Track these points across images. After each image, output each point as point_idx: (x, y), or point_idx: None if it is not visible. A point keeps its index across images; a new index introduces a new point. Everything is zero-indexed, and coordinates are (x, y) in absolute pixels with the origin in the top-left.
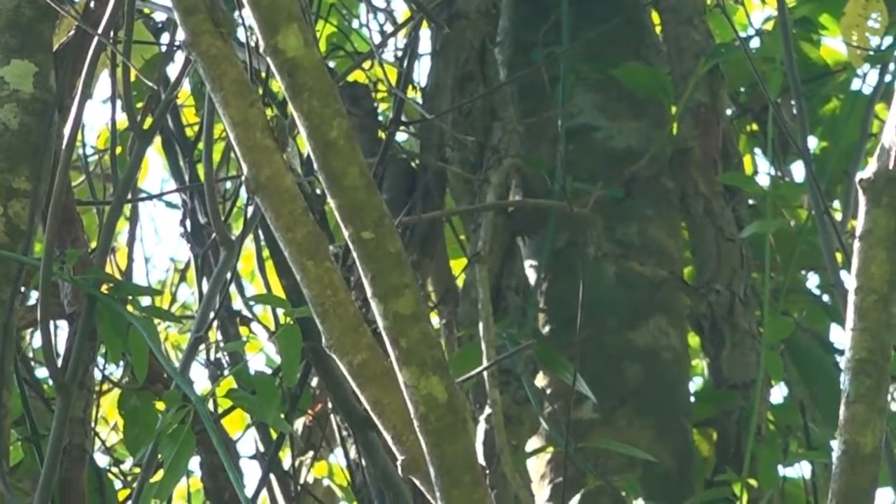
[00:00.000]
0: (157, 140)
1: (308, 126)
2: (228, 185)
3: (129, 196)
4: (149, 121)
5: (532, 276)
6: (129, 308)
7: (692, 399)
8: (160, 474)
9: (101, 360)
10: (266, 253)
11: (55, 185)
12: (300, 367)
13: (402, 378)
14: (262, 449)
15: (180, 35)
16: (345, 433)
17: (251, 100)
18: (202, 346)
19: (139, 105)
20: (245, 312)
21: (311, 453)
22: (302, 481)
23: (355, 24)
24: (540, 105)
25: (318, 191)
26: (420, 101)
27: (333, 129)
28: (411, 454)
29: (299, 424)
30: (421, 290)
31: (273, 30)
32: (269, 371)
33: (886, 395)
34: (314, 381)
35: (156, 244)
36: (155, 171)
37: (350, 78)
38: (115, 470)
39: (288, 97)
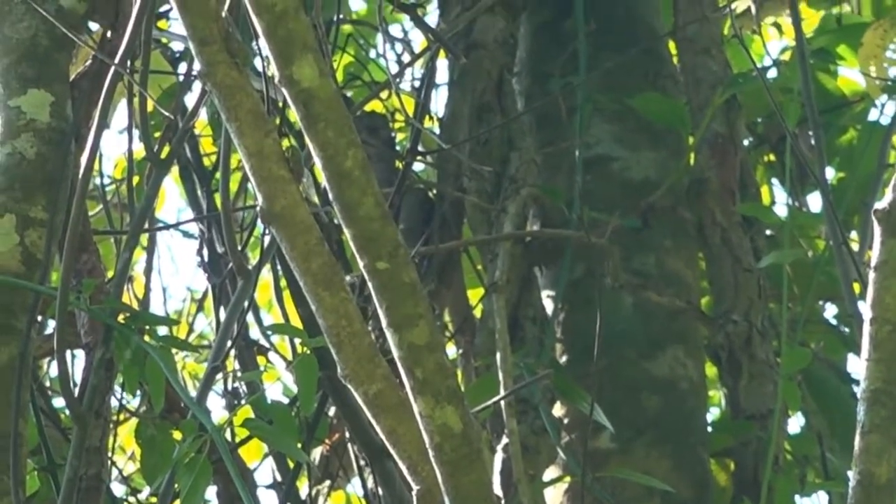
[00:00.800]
0: (175, 170)
1: (323, 156)
2: (246, 214)
3: (146, 225)
4: (166, 150)
5: (549, 305)
6: (146, 338)
7: (709, 429)
8: (177, 503)
9: (118, 390)
10: (283, 282)
11: (72, 215)
12: (317, 396)
13: (417, 408)
14: (279, 478)
15: (197, 65)
16: (362, 462)
17: (266, 130)
18: (219, 376)
19: (156, 135)
20: (262, 342)
21: (328, 482)
22: None
23: (372, 54)
24: (557, 135)
25: (335, 220)
26: (437, 130)
27: (348, 159)
28: (426, 484)
29: (316, 454)
30: (438, 320)
31: (288, 60)
32: (286, 400)
33: None
34: (331, 411)
35: (173, 274)
36: (172, 200)
37: (367, 108)
38: (132, 500)
39: (303, 127)
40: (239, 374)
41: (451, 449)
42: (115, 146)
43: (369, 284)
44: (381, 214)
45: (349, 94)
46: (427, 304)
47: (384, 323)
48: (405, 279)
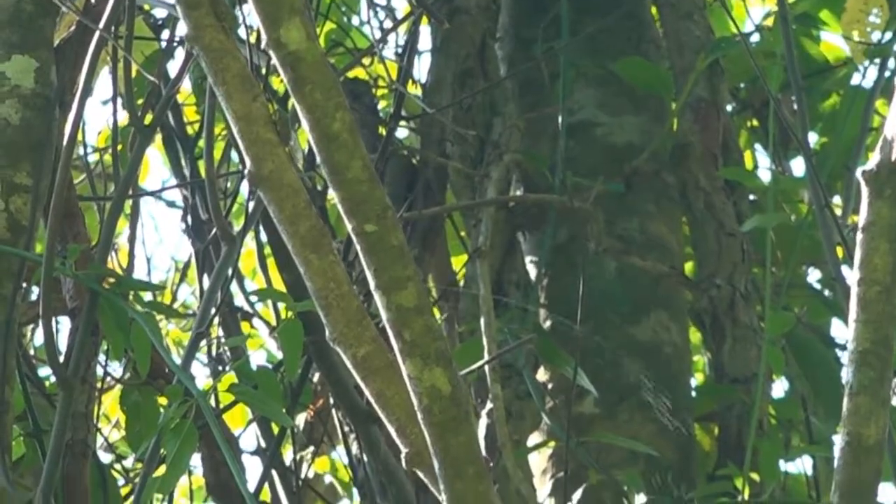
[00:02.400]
0: (158, 139)
1: (311, 119)
2: (229, 181)
3: (130, 192)
4: (149, 117)
5: (533, 271)
6: (131, 303)
7: (693, 394)
8: (162, 470)
9: (102, 358)
10: (267, 250)
11: (56, 181)
12: (301, 361)
13: (405, 370)
14: (263, 444)
15: (181, 31)
16: (346, 428)
17: (254, 94)
18: (203, 342)
19: (140, 101)
20: (246, 308)
21: (312, 449)
22: (303, 477)
23: (355, 20)
24: (540, 100)
25: (318, 187)
26: (420, 96)
27: (336, 121)
28: (415, 447)
29: (301, 420)
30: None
31: (275, 23)
32: (270, 367)
33: (889, 386)
34: (315, 377)
35: (157, 244)
36: (155, 170)
37: (350, 74)
38: (117, 467)
39: (290, 91)
40: (223, 340)
41: (439, 411)
42: (98, 116)
43: (357, 247)
44: (368, 177)
45: (332, 61)
46: (415, 267)
47: (372, 285)
48: (393, 242)
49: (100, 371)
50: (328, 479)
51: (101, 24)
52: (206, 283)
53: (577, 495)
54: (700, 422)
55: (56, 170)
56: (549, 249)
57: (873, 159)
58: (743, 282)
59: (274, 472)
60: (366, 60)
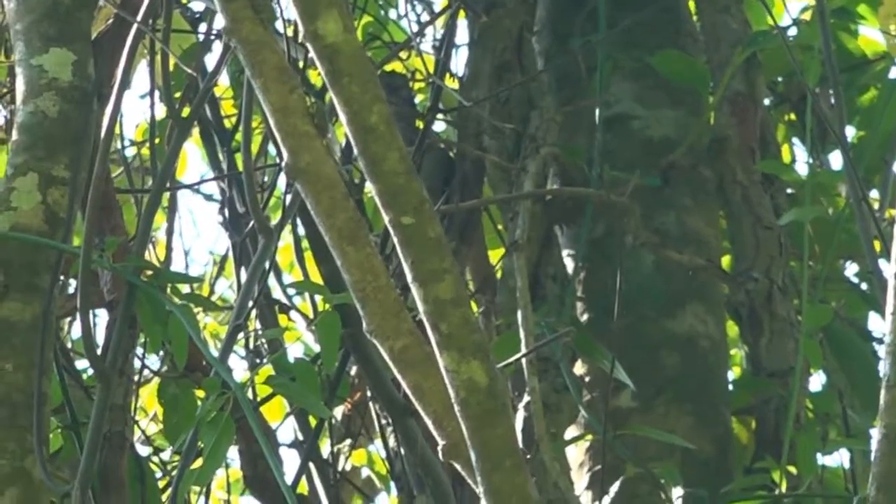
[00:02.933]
0: (196, 132)
1: (348, 111)
2: (266, 176)
3: (168, 185)
4: (187, 110)
5: (570, 264)
6: (169, 296)
7: (731, 387)
8: (199, 462)
9: (140, 351)
10: (304, 243)
11: (94, 173)
12: (339, 354)
13: (442, 363)
14: (301, 437)
15: (218, 24)
16: (384, 421)
17: (291, 86)
18: (241, 335)
19: (177, 95)
20: (284, 301)
21: (349, 441)
22: (341, 469)
23: (392, 14)
24: (577, 94)
25: (355, 180)
26: (457, 90)
27: (373, 114)
28: (452, 439)
29: (338, 413)
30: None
31: (313, 16)
32: (307, 359)
33: None
34: (353, 370)
35: (195, 237)
36: (193, 165)
37: (388, 67)
38: (154, 459)
39: (327, 83)
40: (261, 333)
41: (476, 403)
42: (135, 109)
43: (394, 239)
44: (405, 169)
45: (369, 54)
46: (452, 259)
47: (409, 277)
48: (430, 234)
49: (137, 364)
50: (365, 471)
51: (139, 17)
52: (244, 275)
53: (613, 488)
54: (737, 415)
55: (94, 162)
56: (586, 243)
57: None
58: (780, 275)
59: (311, 465)
60: (403, 54)
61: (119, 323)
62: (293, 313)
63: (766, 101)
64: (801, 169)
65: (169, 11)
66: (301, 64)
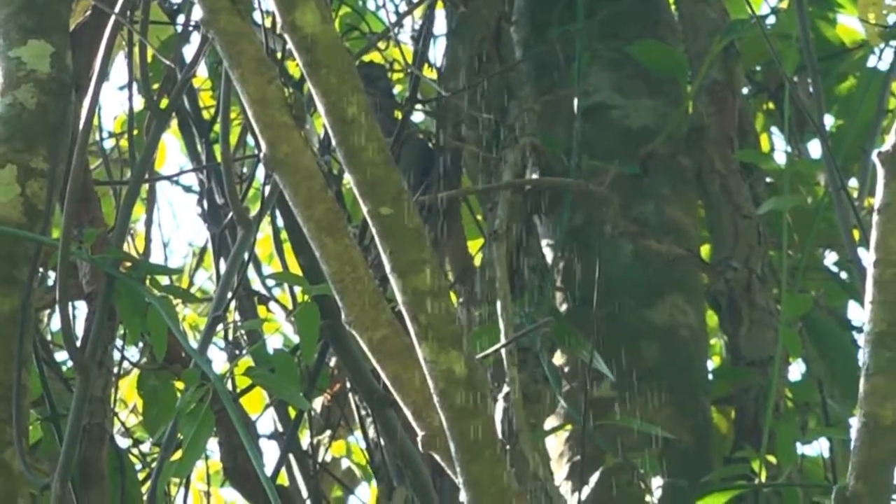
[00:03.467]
0: (174, 123)
1: (326, 102)
2: (245, 167)
3: (147, 177)
4: (165, 101)
5: (549, 254)
6: (148, 288)
7: (710, 377)
8: (179, 454)
9: (119, 342)
10: (283, 234)
11: (73, 165)
12: (318, 345)
13: (421, 354)
14: (280, 428)
15: (196, 15)
16: (363, 412)
17: (269, 77)
18: (220, 326)
19: (156, 86)
20: (263, 292)
21: (329, 432)
22: (321, 460)
23: (371, 4)
24: (556, 84)
25: (334, 171)
26: (436, 80)
27: (352, 104)
28: (431, 430)
29: (318, 404)
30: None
31: (290, 6)
32: (287, 351)
33: None
34: (332, 361)
35: (174, 228)
36: (172, 155)
37: (366, 58)
38: (134, 451)
39: (305, 74)
40: (240, 324)
41: (455, 394)
42: (113, 100)
43: (373, 230)
44: (384, 160)
45: (347, 45)
46: (430, 250)
47: (388, 268)
48: (409, 224)
49: (117, 355)
50: (345, 462)
51: (117, 9)
52: (223, 267)
53: (593, 478)
54: (717, 404)
55: (72, 154)
56: (565, 232)
57: (889, 141)
58: (759, 264)
59: (291, 456)
60: (381, 44)
61: (98, 315)
62: (272, 304)
63: (745, 90)
64: (780, 158)
65: (147, 3)
66: (279, 55)
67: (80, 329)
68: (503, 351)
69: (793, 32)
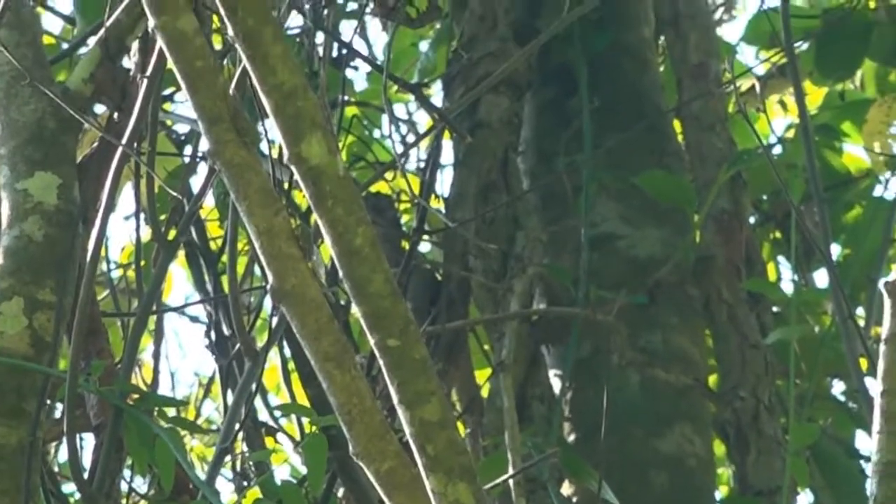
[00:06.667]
0: (181, 254)
1: (333, 234)
2: (252, 298)
3: (154, 308)
4: (172, 232)
5: (557, 384)
6: (155, 419)
7: None
8: None
9: (127, 474)
10: (291, 365)
11: (80, 297)
12: (326, 476)
13: (429, 485)
14: None
15: (203, 146)
16: None
17: (276, 208)
18: (228, 458)
19: (163, 217)
20: (270, 423)
21: None
22: None
23: (377, 134)
24: (563, 214)
25: (341, 301)
26: (443, 210)
27: (358, 236)
28: None
29: None
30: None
31: (297, 138)
32: (294, 482)
33: None
34: (340, 492)
35: (181, 359)
36: (179, 286)
37: (373, 188)
38: None
39: (312, 205)
40: (247, 455)
41: None
42: (121, 232)
43: (380, 361)
44: (391, 292)
45: (354, 174)
46: (438, 381)
47: (395, 400)
48: (416, 356)
49: (124, 487)
50: None
51: (124, 140)
52: (230, 398)
53: None
54: None
55: (79, 286)
56: (573, 362)
57: None
58: (767, 394)
59: None
60: (388, 174)
61: (106, 446)
62: (280, 435)
63: (752, 220)
64: (787, 287)
65: (154, 134)
66: (286, 185)
67: (87, 461)
68: (511, 481)
69: (799, 162)
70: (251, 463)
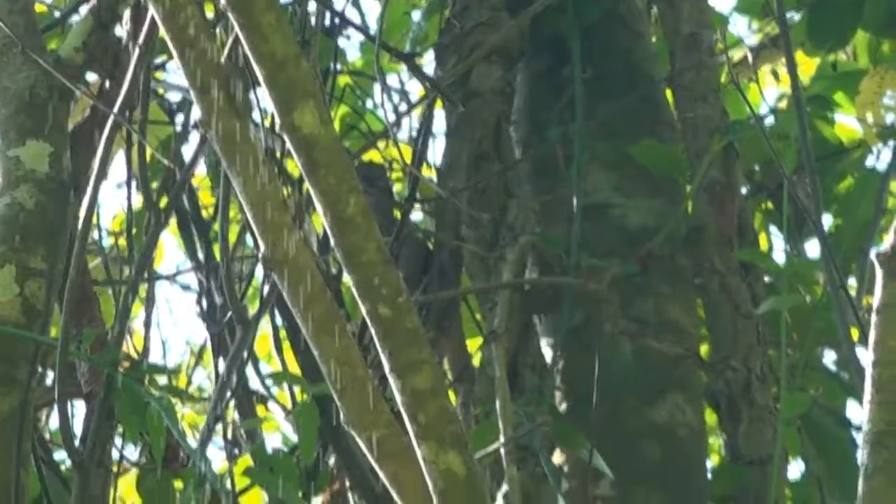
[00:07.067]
0: (173, 222)
1: (324, 203)
2: (244, 267)
3: (145, 276)
4: (164, 201)
5: (548, 353)
6: (147, 387)
7: (709, 475)
8: None
9: (118, 442)
10: (282, 333)
11: (71, 265)
12: (317, 445)
13: (420, 453)
14: None
15: (195, 115)
16: None
17: (268, 177)
18: (219, 426)
19: (154, 185)
20: (262, 391)
21: None
22: None
23: (369, 104)
24: (555, 183)
25: (333, 270)
26: (435, 179)
27: (350, 205)
28: None
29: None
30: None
31: (289, 107)
32: (286, 450)
33: None
34: (331, 460)
35: (172, 327)
36: (170, 254)
37: (365, 157)
38: None
39: (304, 174)
40: (239, 423)
41: (455, 494)
42: (112, 199)
43: (372, 330)
44: (383, 260)
45: (346, 144)
46: (429, 350)
47: (387, 368)
48: (408, 325)
49: (115, 455)
50: None
51: (116, 109)
52: (222, 366)
53: None
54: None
55: (71, 254)
56: (565, 332)
57: (888, 241)
58: (758, 363)
59: None
60: (380, 144)
61: (97, 414)
62: (271, 403)
63: (744, 190)
64: (779, 257)
65: (145, 102)
66: (278, 154)
67: (78, 428)
68: (502, 450)
69: (791, 132)
70: (242, 431)
